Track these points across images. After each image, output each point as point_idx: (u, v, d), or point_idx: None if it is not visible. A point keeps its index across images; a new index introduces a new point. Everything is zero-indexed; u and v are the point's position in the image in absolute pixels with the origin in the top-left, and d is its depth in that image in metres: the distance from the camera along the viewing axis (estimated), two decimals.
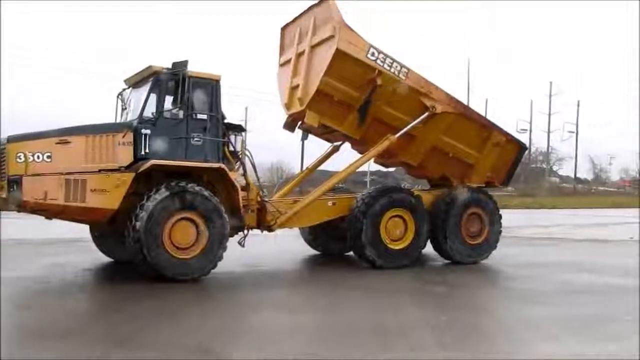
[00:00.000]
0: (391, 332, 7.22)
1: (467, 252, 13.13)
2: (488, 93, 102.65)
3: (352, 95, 12.41)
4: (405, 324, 7.68)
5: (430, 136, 13.12)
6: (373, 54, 12.11)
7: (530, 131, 67.90)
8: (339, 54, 11.77)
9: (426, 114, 12.61)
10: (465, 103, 14.32)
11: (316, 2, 12.55)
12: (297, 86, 12.91)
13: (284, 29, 13.91)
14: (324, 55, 12.07)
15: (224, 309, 8.73)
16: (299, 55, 13.05)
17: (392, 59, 12.30)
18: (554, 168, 77.32)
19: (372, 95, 12.26)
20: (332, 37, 11.89)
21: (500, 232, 13.61)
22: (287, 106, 13.36)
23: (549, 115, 68.71)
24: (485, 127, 13.74)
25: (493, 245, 13.50)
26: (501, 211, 13.82)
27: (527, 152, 15.01)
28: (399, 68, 12.37)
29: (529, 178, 62.87)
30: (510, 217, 14.28)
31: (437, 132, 13.09)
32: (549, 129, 69.26)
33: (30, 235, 17.61)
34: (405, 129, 12.62)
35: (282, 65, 13.98)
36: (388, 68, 12.25)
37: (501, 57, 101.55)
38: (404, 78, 12.42)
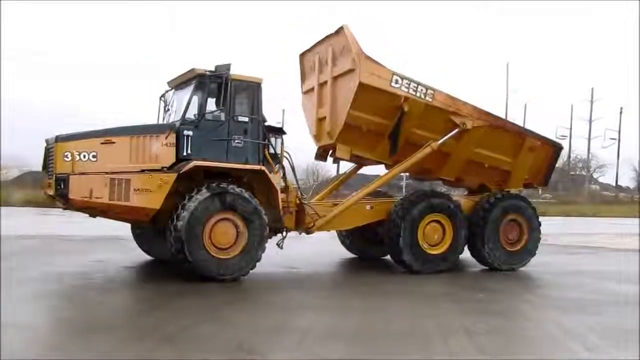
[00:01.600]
0: (430, 338, 7.20)
1: (505, 258, 13.03)
2: (527, 98, 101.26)
3: (381, 123, 12.42)
4: (444, 329, 7.65)
5: (464, 151, 13.07)
6: (397, 81, 12.10)
7: (570, 137, 66.97)
8: (363, 87, 11.79)
9: (456, 130, 12.56)
10: (498, 113, 14.16)
11: (332, 32, 12.50)
12: (324, 118, 13.03)
13: (302, 56, 13.92)
14: (348, 88, 12.08)
15: (264, 310, 8.80)
16: (322, 85, 13.12)
17: (416, 82, 12.27)
18: (595, 175, 75.92)
19: (401, 121, 12.24)
20: (353, 70, 11.90)
21: (539, 239, 13.48)
22: (317, 138, 13.51)
23: (590, 121, 67.60)
24: (518, 134, 13.65)
25: (532, 252, 13.37)
26: (540, 218, 13.67)
27: (564, 155, 14.79)
28: (424, 91, 12.33)
29: (568, 185, 61.91)
30: (549, 225, 14.11)
31: (471, 146, 13.03)
32: (589, 136, 68.15)
33: (74, 232, 18.03)
34: (445, 138, 12.56)
35: (305, 92, 14.07)
36: (414, 93, 12.22)
37: (541, 62, 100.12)
38: (430, 100, 12.39)
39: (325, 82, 12.92)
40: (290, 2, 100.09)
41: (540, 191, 54.92)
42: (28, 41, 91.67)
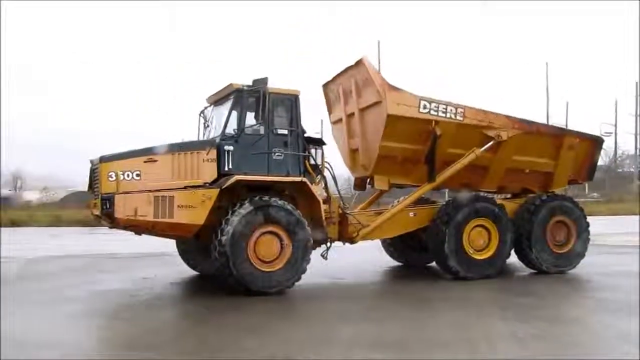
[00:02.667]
0: (479, 345, 7.10)
1: (553, 261, 12.78)
2: (569, 96, 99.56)
3: (415, 150, 12.31)
4: (493, 336, 7.55)
5: (502, 161, 12.85)
6: (425, 107, 11.98)
7: (616, 134, 65.43)
8: (391, 118, 11.71)
9: (491, 142, 12.41)
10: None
11: (352, 64, 12.44)
12: (356, 150, 13.03)
13: (324, 86, 13.86)
14: (376, 121, 12.02)
15: (310, 321, 8.82)
16: (350, 116, 13.08)
17: (445, 104, 12.15)
18: None
19: (435, 144, 12.10)
20: (379, 102, 11.83)
21: (588, 240, 13.18)
22: (352, 169, 13.52)
23: (636, 116, 65.94)
24: (554, 136, 13.41)
25: (581, 254, 13.08)
26: (587, 218, 13.37)
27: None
28: (454, 111, 12.19)
29: (615, 183, 60.47)
30: (597, 225, 13.78)
31: (508, 156, 12.81)
32: (636, 131, 66.46)
33: (120, 249, 18.33)
34: (485, 147, 12.42)
35: (334, 123, 14.03)
36: (443, 115, 12.10)
37: (581, 59, 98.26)
38: (461, 119, 12.26)
39: (353, 114, 12.90)
40: (290, 2, 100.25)
41: (587, 190, 53.98)
42: (28, 41, 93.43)
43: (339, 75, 13.16)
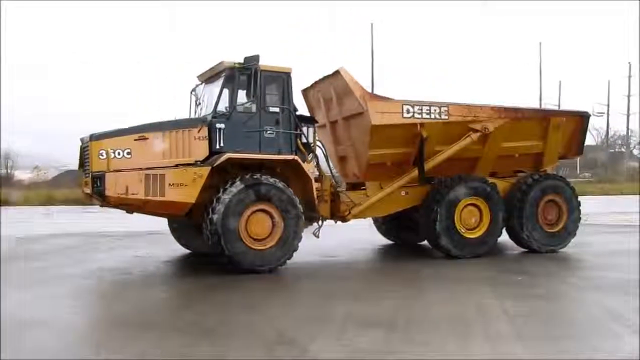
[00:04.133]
0: (470, 323, 7.10)
1: (545, 240, 12.82)
2: (562, 77, 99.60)
3: (404, 153, 12.32)
4: (485, 314, 7.55)
5: (491, 151, 12.86)
6: (408, 111, 11.97)
7: (608, 114, 65.66)
8: (376, 128, 11.68)
9: (478, 134, 12.40)
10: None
11: (330, 73, 12.34)
12: (345, 157, 13.06)
13: (304, 92, 13.74)
14: (361, 131, 12.02)
15: (303, 300, 8.84)
16: (333, 123, 13.03)
17: (428, 104, 12.14)
18: (634, 152, 74.28)
19: (423, 146, 12.08)
20: (362, 113, 11.76)
21: (579, 219, 13.23)
22: (343, 175, 13.51)
23: (629, 97, 66.09)
24: (541, 118, 13.42)
25: (572, 233, 13.13)
26: (579, 198, 13.42)
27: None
28: (437, 110, 12.19)
29: (607, 163, 60.70)
30: (588, 204, 13.82)
31: (497, 144, 12.82)
32: (628, 112, 66.66)
33: (113, 228, 18.31)
34: (478, 134, 12.43)
35: (318, 127, 13.76)
36: (427, 116, 12.09)
37: (575, 40, 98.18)
38: (446, 117, 12.25)
39: (336, 122, 12.87)
40: (290, 2, 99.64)
41: (578, 170, 54.20)
42: (27, 41, 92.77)
43: (317, 82, 13.08)
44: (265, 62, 10.88)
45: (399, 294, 9.01)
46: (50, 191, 34.64)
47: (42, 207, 30.17)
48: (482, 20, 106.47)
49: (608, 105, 65.57)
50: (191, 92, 12.41)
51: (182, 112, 12.40)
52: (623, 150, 71.10)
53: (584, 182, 46.42)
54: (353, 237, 15.35)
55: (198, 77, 12.23)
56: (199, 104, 12.07)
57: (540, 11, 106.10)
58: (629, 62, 66.37)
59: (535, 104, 51.35)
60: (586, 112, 14.23)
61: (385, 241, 14.95)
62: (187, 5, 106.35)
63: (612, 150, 71.19)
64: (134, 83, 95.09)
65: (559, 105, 55.79)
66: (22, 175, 45.99)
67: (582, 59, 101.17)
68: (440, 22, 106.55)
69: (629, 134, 70.21)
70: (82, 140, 11.05)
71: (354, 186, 13.24)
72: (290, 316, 7.64)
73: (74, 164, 12.45)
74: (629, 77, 65.67)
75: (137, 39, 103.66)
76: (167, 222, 12.91)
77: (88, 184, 10.49)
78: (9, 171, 50.50)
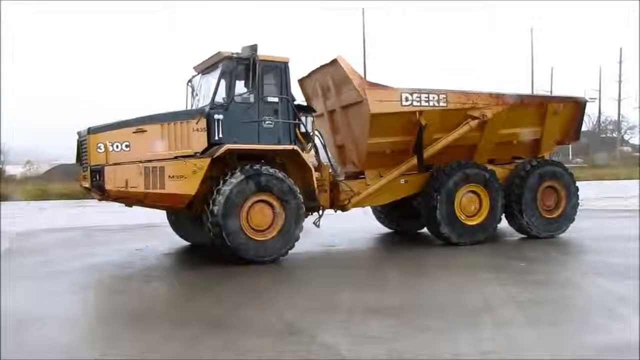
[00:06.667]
0: (477, 310, 7.08)
1: (544, 226, 12.86)
2: (553, 62, 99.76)
3: (403, 141, 12.27)
4: (491, 300, 7.54)
5: (490, 138, 12.84)
6: (407, 99, 11.90)
7: (600, 100, 65.80)
8: (375, 117, 11.63)
9: (477, 121, 12.39)
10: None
11: (327, 62, 12.30)
12: (343, 146, 13.03)
13: (300, 81, 13.63)
14: (360, 119, 11.97)
15: (308, 289, 8.77)
16: (331, 112, 12.99)
17: (427, 92, 12.08)
18: (626, 137, 74.59)
19: (422, 134, 12.04)
20: (360, 101, 11.72)
21: (577, 204, 13.26)
22: (342, 164, 13.46)
23: (619, 82, 66.29)
24: (538, 104, 13.41)
25: (571, 218, 13.17)
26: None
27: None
28: (436, 98, 12.15)
29: (599, 148, 60.91)
30: (582, 189, 13.84)
31: (495, 131, 12.80)
32: (619, 97, 66.91)
33: (110, 221, 18.24)
34: (477, 121, 12.42)
35: (316, 116, 13.82)
36: (426, 104, 12.05)
37: (566, 25, 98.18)
38: (445, 105, 12.22)
39: (334, 110, 12.82)
40: (290, 2, 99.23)
41: (570, 156, 54.35)
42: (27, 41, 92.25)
43: (314, 71, 13.02)
44: (263, 51, 10.82)
45: (402, 281, 9.03)
46: (44, 185, 34.46)
47: (36, 201, 30.05)
48: (471, 7, 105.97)
49: (600, 91, 65.78)
50: (187, 83, 12.32)
51: (179, 103, 12.30)
52: (615, 135, 71.34)
53: (577, 167, 46.54)
54: (353, 226, 15.35)
55: (194, 67, 12.13)
56: (196, 95, 11.99)
57: None
58: (620, 47, 66.54)
59: (527, 91, 51.37)
60: (583, 98, 14.25)
61: (384, 229, 14.95)
62: (187, 5, 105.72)
63: (604, 136, 71.41)
64: (133, 83, 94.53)
65: (551, 92, 55.90)
66: (13, 170, 45.70)
67: (573, 45, 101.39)
68: (428, 9, 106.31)
69: (621, 119, 70.51)
70: (79, 133, 10.95)
71: (353, 175, 13.22)
72: (296, 306, 7.60)
73: (65, 157, 12.36)
74: (620, 62, 65.89)
75: (137, 39, 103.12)
76: (165, 215, 12.86)
77: (86, 177, 10.42)
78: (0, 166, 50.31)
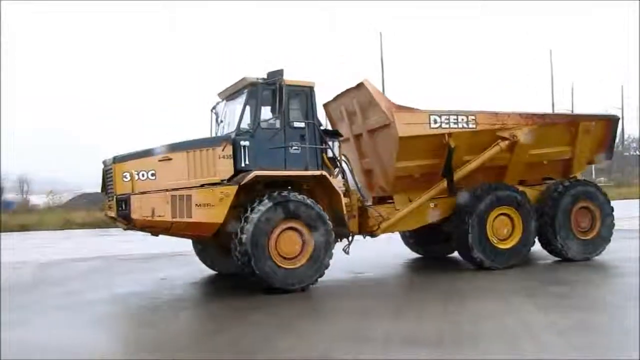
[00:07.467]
0: (518, 337, 6.81)
1: (579, 248, 12.51)
2: (573, 79, 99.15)
3: (432, 164, 12.03)
4: (531, 327, 7.25)
5: (520, 159, 12.53)
6: (435, 121, 11.70)
7: (623, 118, 65.03)
8: (403, 140, 11.44)
9: (507, 142, 12.11)
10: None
11: (353, 86, 12.14)
12: (370, 170, 12.83)
13: (325, 106, 13.48)
14: (388, 143, 11.77)
15: (339, 319, 8.48)
16: (357, 136, 12.83)
17: (455, 114, 11.86)
18: None
19: (451, 156, 11.79)
20: (388, 124, 11.53)
21: (613, 225, 12.89)
22: (369, 189, 13.24)
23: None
24: (569, 123, 13.09)
25: (607, 239, 12.81)
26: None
27: (617, 136, 14.14)
28: (465, 119, 11.92)
29: (623, 167, 60.15)
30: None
31: (526, 152, 12.49)
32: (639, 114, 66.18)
33: (133, 250, 18.13)
34: (506, 142, 12.14)
35: (342, 141, 13.69)
36: (455, 126, 11.82)
37: (585, 45, 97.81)
38: (474, 126, 11.99)
39: (361, 134, 12.64)
40: (290, 2, 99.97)
41: (594, 175, 53.62)
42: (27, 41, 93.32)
43: (340, 95, 12.86)
44: (287, 76, 10.68)
45: (438, 309, 8.70)
46: (67, 214, 34.56)
47: (60, 231, 30.10)
48: (486, 23, 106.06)
49: (622, 109, 65.07)
50: (212, 110, 12.24)
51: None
52: (638, 153, 70.49)
53: (603, 187, 45.80)
54: (380, 251, 15.08)
55: (218, 94, 12.04)
56: (221, 121, 11.88)
57: (550, 13, 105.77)
58: None
59: (547, 109, 50.95)
60: (615, 116, 13.96)
61: (412, 254, 14.66)
62: (187, 5, 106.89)
63: (627, 154, 70.60)
64: (134, 83, 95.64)
65: (572, 110, 55.42)
66: (37, 200, 46.09)
67: (593, 62, 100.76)
68: (444, 25, 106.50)
69: None
70: (104, 162, 10.87)
71: (380, 200, 12.97)
72: (327, 336, 7.35)
73: (88, 186, 12.31)
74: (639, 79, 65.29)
75: (137, 39, 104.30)
76: (191, 244, 12.68)
77: (112, 207, 10.28)
78: (24, 196, 50.79)
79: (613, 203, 13.11)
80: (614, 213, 13.02)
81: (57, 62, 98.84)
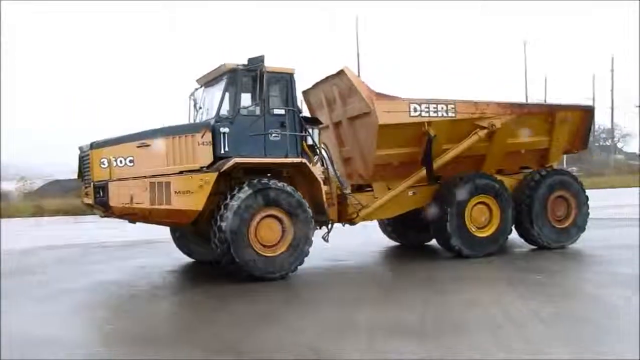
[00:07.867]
0: (502, 327, 6.82)
1: (555, 236, 12.64)
2: (546, 71, 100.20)
3: (411, 152, 12.01)
4: (513, 317, 7.27)
5: (498, 148, 12.60)
6: (415, 109, 11.70)
7: (594, 108, 65.82)
8: (383, 128, 11.42)
9: (486, 131, 12.16)
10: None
11: (333, 73, 12.08)
12: (350, 159, 12.79)
13: (305, 93, 13.45)
14: (368, 131, 11.74)
15: (322, 308, 8.42)
16: (337, 124, 12.78)
17: (435, 102, 11.87)
18: (619, 145, 74.81)
19: (430, 145, 11.78)
20: (368, 112, 11.50)
21: (588, 214, 13.06)
22: (348, 177, 13.17)
23: (612, 91, 66.55)
24: (547, 113, 13.19)
25: (582, 228, 12.97)
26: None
27: (594, 114, 14.28)
28: (445, 108, 11.94)
29: (593, 157, 60.99)
30: None
31: (504, 141, 12.57)
32: (612, 105, 67.15)
33: (109, 238, 17.92)
34: (485, 131, 12.18)
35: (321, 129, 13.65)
36: (435, 114, 11.84)
37: (558, 35, 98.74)
38: (453, 115, 12.02)
39: (340, 122, 12.60)
40: (290, 2, 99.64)
41: (565, 165, 54.27)
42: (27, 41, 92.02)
43: (319, 82, 12.80)
44: (267, 62, 10.57)
45: (419, 297, 8.70)
46: (39, 202, 34.04)
47: (32, 218, 29.66)
48: (465, 17, 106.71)
49: (594, 100, 65.82)
50: (190, 97, 12.09)
51: (178, 103, 12.09)
52: (608, 143, 71.53)
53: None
54: (359, 239, 15.07)
55: (197, 80, 11.89)
56: (200, 108, 11.74)
57: (524, 10, 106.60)
58: (612, 56, 66.80)
59: (521, 100, 51.38)
60: (591, 106, 14.11)
61: (390, 242, 14.68)
62: (187, 5, 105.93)
63: (597, 144, 71.57)
64: (133, 83, 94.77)
65: (545, 101, 55.98)
66: (8, 186, 45.23)
67: (566, 54, 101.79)
68: (422, 19, 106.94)
69: (614, 127, 70.73)
70: (81, 148, 10.67)
71: (359, 188, 12.96)
72: (312, 326, 7.29)
73: (59, 173, 12.10)
74: (612, 70, 66.16)
75: (137, 40, 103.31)
76: (169, 231, 12.55)
77: (89, 194, 10.12)
78: None
79: (587, 192, 13.25)
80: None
81: (57, 62, 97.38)
